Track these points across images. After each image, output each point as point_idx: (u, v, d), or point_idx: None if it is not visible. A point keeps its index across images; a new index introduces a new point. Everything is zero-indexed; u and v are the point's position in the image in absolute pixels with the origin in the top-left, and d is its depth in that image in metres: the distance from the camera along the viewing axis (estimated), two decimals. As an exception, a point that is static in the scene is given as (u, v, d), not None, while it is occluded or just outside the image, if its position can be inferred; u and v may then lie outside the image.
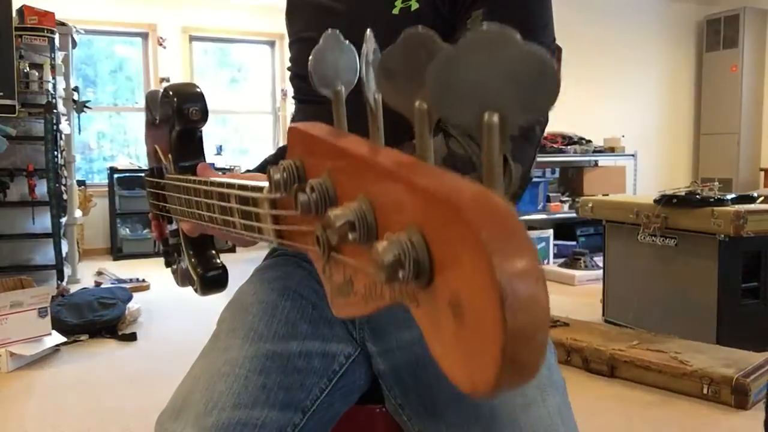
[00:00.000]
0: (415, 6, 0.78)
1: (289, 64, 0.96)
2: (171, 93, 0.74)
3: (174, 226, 0.85)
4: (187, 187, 0.68)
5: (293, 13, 0.94)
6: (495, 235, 0.20)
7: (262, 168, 0.99)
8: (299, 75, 0.91)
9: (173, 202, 0.77)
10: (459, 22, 0.76)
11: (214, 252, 0.80)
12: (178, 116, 0.74)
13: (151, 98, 0.88)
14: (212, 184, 0.58)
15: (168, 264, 0.93)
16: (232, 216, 0.53)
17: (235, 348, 0.73)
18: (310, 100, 0.88)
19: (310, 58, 0.34)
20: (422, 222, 0.24)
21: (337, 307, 0.34)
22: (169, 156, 0.79)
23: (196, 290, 0.80)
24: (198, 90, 0.75)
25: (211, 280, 0.77)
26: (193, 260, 0.78)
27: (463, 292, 0.22)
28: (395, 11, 0.78)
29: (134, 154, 6.09)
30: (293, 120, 0.95)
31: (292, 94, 0.95)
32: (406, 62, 0.27)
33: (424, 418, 0.70)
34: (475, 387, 0.22)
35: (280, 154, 0.98)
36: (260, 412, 0.67)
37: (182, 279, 0.88)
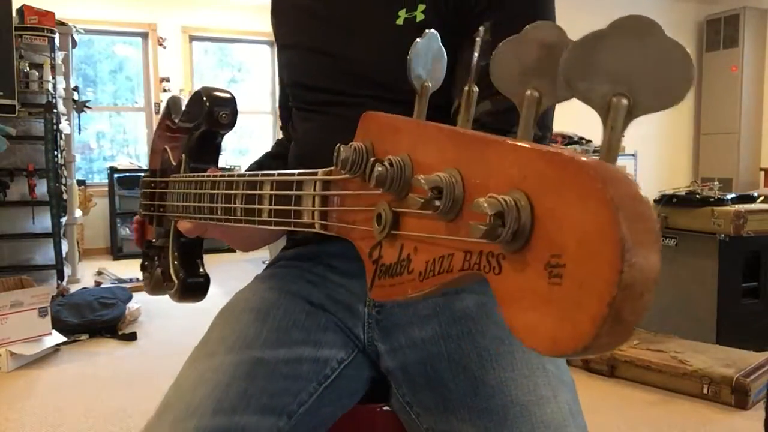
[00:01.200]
0: (420, 17, 0.77)
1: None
2: (204, 94, 0.75)
3: (163, 228, 0.85)
4: (202, 181, 0.68)
5: (282, 17, 0.92)
6: (621, 195, 0.22)
7: (261, 163, 0.99)
8: (299, 83, 0.89)
9: (176, 200, 0.77)
10: (466, 33, 0.76)
11: (200, 261, 0.81)
12: (207, 117, 0.75)
13: (173, 102, 0.89)
14: (239, 175, 0.59)
15: (144, 268, 0.93)
16: (260, 203, 0.53)
17: (221, 354, 0.73)
18: (312, 109, 0.86)
19: (411, 52, 0.34)
20: (527, 186, 0.25)
21: (380, 289, 0.35)
22: (183, 156, 0.79)
23: (172, 295, 0.81)
24: (231, 96, 0.77)
25: (192, 287, 0.79)
26: (176, 263, 0.79)
27: (571, 250, 0.23)
28: (399, 21, 0.77)
29: (134, 154, 6.09)
30: (293, 128, 0.93)
31: (289, 102, 0.93)
32: (523, 55, 0.29)
33: (435, 415, 0.70)
34: (561, 346, 0.23)
35: (280, 149, 0.98)
36: (240, 417, 0.66)
37: (154, 286, 0.89)
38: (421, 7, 0.77)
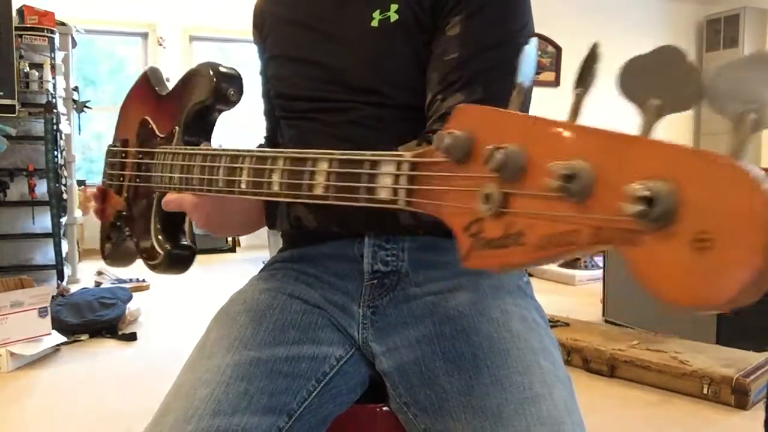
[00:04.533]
0: (395, 17, 0.77)
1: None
2: (211, 69, 0.76)
3: (141, 200, 0.84)
4: (215, 154, 0.68)
5: (267, 29, 0.92)
6: (766, 186, 0.29)
7: None
8: (284, 94, 0.88)
9: (167, 171, 0.77)
10: (438, 28, 0.77)
11: (182, 233, 0.81)
12: (214, 93, 0.76)
13: (153, 72, 0.90)
14: (278, 151, 0.61)
15: (107, 239, 0.93)
16: (312, 179, 0.55)
17: (219, 356, 0.73)
18: (300, 116, 0.86)
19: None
20: (675, 176, 0.31)
21: (479, 259, 0.40)
22: (176, 128, 0.79)
23: (155, 267, 0.80)
24: (238, 73, 0.78)
25: (179, 258, 0.79)
26: (160, 236, 0.79)
27: (721, 228, 0.29)
28: (374, 23, 0.78)
29: (134, 154, 6.08)
30: (280, 135, 0.92)
31: (276, 112, 0.92)
32: (652, 68, 0.35)
33: (431, 415, 0.70)
34: (705, 300, 0.30)
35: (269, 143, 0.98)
36: (241, 418, 0.66)
37: (120, 256, 0.89)
38: (394, 6, 0.78)
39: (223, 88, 0.75)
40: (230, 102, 0.76)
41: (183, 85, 0.82)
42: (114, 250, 0.92)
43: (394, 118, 0.80)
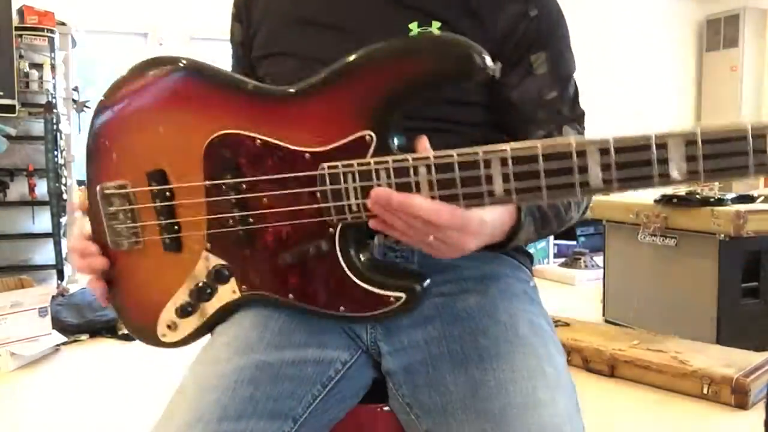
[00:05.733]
0: (437, 33, 0.76)
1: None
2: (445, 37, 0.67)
3: (219, 262, 0.70)
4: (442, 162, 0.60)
5: (253, 20, 0.86)
6: None
7: None
8: None
9: (357, 195, 0.63)
10: (518, 63, 0.79)
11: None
12: (462, 62, 0.62)
13: (195, 65, 0.72)
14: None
15: (186, 312, 0.75)
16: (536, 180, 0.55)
17: (224, 360, 0.72)
18: None
19: None
20: None
21: None
22: (365, 133, 0.63)
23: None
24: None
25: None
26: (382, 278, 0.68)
27: None
28: (412, 35, 0.76)
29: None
30: None
31: None
32: None
33: (434, 416, 0.69)
34: None
35: None
36: (246, 423, 0.66)
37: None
38: (436, 24, 0.77)
39: (474, 55, 0.60)
40: (482, 74, 0.61)
41: (353, 68, 0.65)
42: (199, 330, 0.76)
43: (421, 129, 0.77)
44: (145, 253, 0.76)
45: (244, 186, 0.68)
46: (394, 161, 0.61)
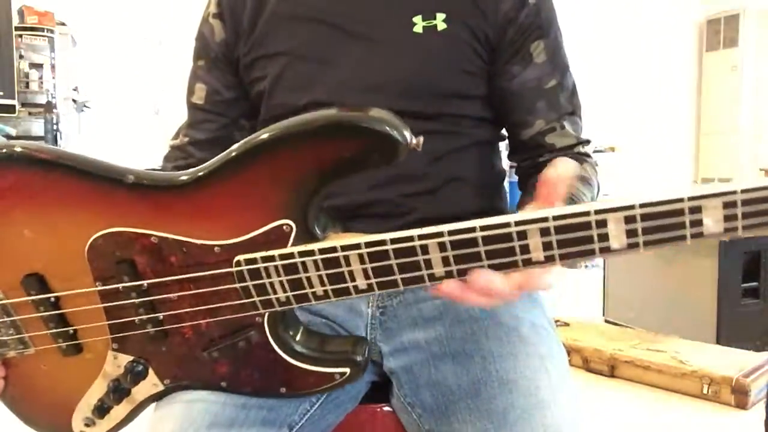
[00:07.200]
0: (442, 26, 0.76)
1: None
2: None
3: (130, 359, 0.62)
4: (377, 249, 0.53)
5: (243, 20, 0.83)
6: None
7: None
8: (285, 96, 0.81)
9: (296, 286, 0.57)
10: (517, 52, 0.80)
11: None
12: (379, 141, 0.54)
13: (34, 149, 0.58)
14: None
15: (104, 410, 0.66)
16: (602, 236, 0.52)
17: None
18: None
19: None
20: None
21: None
22: (283, 222, 0.56)
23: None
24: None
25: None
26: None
27: None
28: (417, 29, 0.76)
29: (134, 154, 6.08)
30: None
31: (263, 115, 0.84)
32: None
33: (436, 416, 0.69)
34: None
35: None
36: (238, 430, 0.65)
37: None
38: (441, 15, 0.76)
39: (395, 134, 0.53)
40: (398, 155, 0.54)
41: (256, 156, 0.55)
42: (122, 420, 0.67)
43: (421, 130, 0.75)
44: (41, 360, 0.65)
45: (144, 287, 0.59)
46: (321, 251, 0.54)
